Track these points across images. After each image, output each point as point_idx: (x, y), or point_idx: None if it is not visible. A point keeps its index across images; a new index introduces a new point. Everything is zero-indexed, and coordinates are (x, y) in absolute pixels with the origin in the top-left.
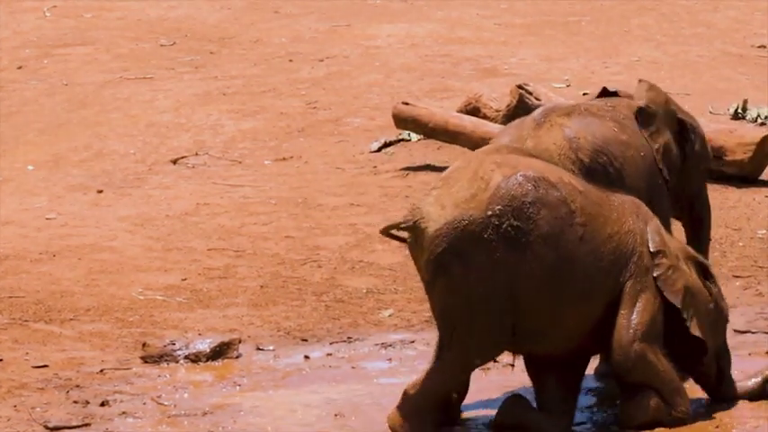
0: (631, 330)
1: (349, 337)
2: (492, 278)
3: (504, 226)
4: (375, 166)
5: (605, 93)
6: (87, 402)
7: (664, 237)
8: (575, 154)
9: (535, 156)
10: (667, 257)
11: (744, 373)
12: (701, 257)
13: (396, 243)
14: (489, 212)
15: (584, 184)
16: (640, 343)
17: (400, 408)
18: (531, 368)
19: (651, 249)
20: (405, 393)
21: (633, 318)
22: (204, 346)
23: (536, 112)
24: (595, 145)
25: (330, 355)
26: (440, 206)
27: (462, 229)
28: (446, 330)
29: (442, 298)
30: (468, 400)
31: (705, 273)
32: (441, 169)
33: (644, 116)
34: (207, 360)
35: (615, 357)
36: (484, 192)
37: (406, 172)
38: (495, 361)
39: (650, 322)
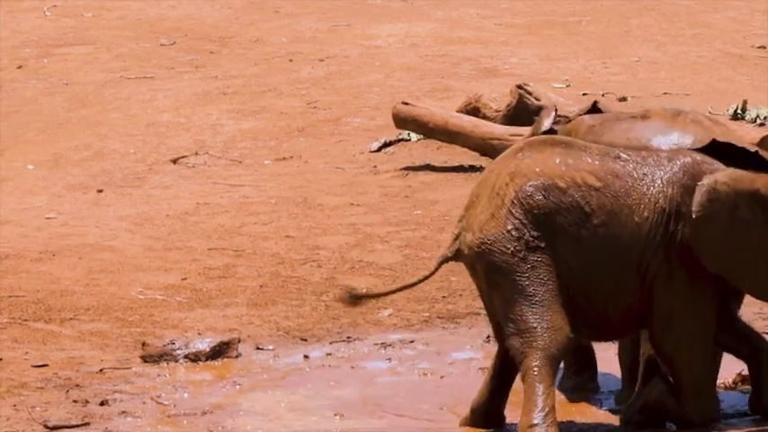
0: (668, 322)
1: (348, 337)
2: (539, 279)
3: (526, 237)
4: (375, 166)
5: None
6: (87, 402)
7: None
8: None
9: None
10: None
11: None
12: None
13: (395, 242)
14: (510, 227)
15: (605, 177)
16: (676, 335)
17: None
18: None
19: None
20: (529, 427)
21: (672, 307)
22: (204, 345)
23: (672, 110)
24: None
25: (330, 354)
26: (470, 231)
27: (490, 250)
28: (520, 336)
29: (506, 309)
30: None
31: None
32: (440, 169)
33: None
34: (206, 359)
35: (654, 346)
36: (500, 209)
37: (406, 172)
38: None
39: (690, 313)
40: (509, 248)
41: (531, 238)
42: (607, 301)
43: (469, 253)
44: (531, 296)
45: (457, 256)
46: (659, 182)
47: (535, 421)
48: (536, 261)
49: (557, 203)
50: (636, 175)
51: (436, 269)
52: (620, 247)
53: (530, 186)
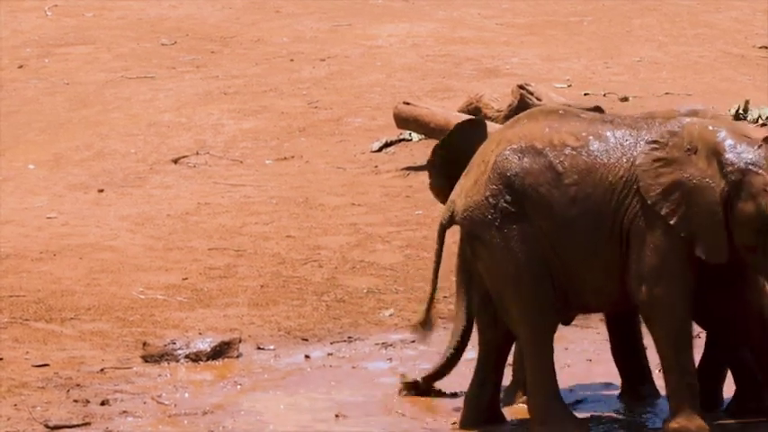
0: (638, 275)
1: (350, 337)
2: (514, 251)
3: (501, 204)
4: (376, 166)
5: None
6: (88, 401)
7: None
8: None
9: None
10: (663, 150)
11: None
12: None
13: (396, 242)
14: (487, 194)
15: (585, 137)
16: (649, 286)
17: (534, 417)
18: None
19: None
20: (528, 403)
21: (640, 261)
22: (205, 345)
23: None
24: None
25: (331, 354)
26: (458, 196)
27: (471, 216)
28: (505, 309)
29: (487, 281)
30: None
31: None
32: None
33: None
34: (207, 359)
35: (637, 303)
36: (483, 175)
37: (407, 172)
38: None
39: (658, 262)
40: (487, 216)
41: (506, 205)
42: (582, 265)
43: (458, 219)
44: (511, 268)
45: (450, 222)
46: (643, 143)
47: (537, 399)
48: (512, 230)
49: (530, 164)
50: (618, 136)
51: (439, 242)
52: (592, 207)
53: (508, 150)
